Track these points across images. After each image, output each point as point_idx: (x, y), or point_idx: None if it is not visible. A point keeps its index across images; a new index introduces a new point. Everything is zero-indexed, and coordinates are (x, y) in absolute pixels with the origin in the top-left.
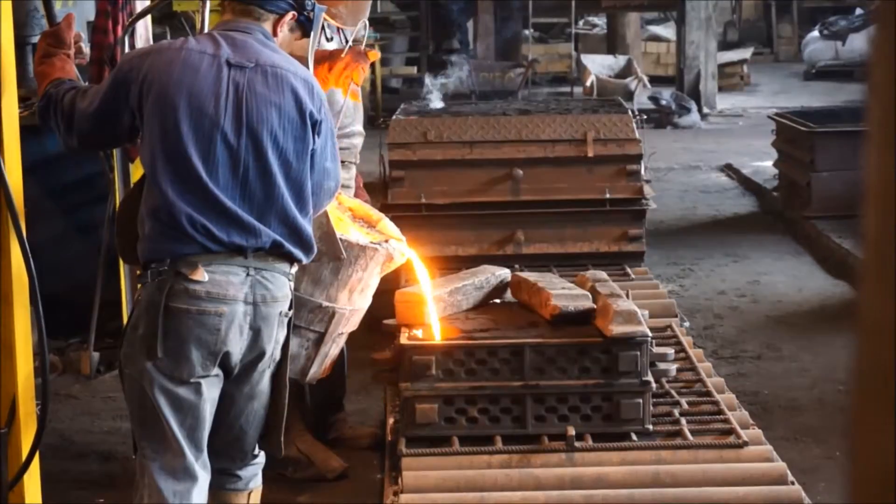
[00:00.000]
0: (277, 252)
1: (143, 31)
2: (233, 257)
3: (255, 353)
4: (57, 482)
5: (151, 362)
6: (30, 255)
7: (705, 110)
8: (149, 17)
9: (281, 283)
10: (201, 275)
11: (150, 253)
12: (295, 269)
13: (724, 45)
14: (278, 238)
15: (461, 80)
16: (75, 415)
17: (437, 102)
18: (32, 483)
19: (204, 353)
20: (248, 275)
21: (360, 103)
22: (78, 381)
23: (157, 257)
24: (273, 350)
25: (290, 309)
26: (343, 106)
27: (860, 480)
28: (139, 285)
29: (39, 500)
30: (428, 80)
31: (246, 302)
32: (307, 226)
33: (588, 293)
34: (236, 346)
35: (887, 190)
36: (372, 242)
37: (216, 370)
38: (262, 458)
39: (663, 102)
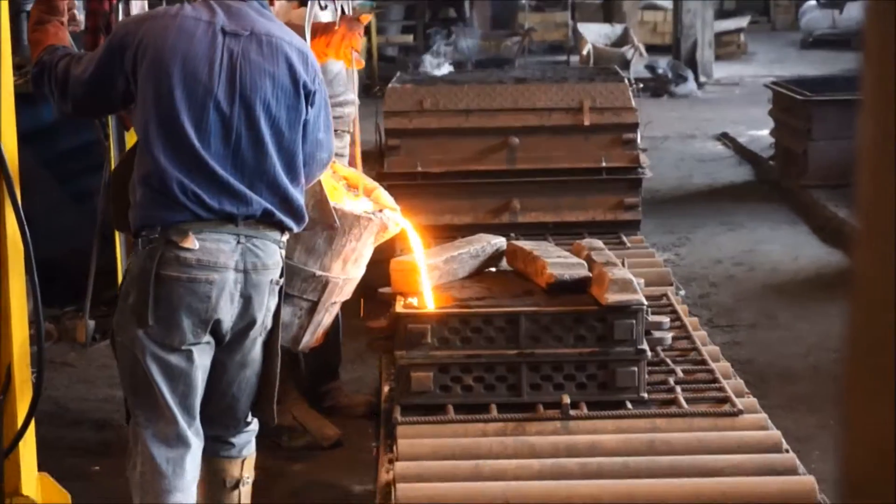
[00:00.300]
0: (268, 220)
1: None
2: (223, 225)
3: (245, 320)
4: (53, 450)
5: (142, 330)
6: (25, 223)
7: (702, 79)
8: None
9: (272, 251)
10: (192, 242)
11: (141, 220)
12: (286, 237)
13: (721, 14)
14: (269, 207)
15: (465, 49)
16: (71, 383)
17: (445, 68)
18: (28, 450)
19: (195, 320)
20: (238, 242)
21: (354, 71)
22: (73, 349)
23: (147, 224)
24: (264, 318)
25: (280, 277)
26: (338, 75)
27: (853, 448)
28: (130, 253)
29: (35, 468)
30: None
31: (236, 270)
32: (298, 195)
33: (584, 262)
34: (227, 314)
35: (881, 157)
36: (366, 212)
37: (207, 337)
38: (255, 425)
39: (660, 71)
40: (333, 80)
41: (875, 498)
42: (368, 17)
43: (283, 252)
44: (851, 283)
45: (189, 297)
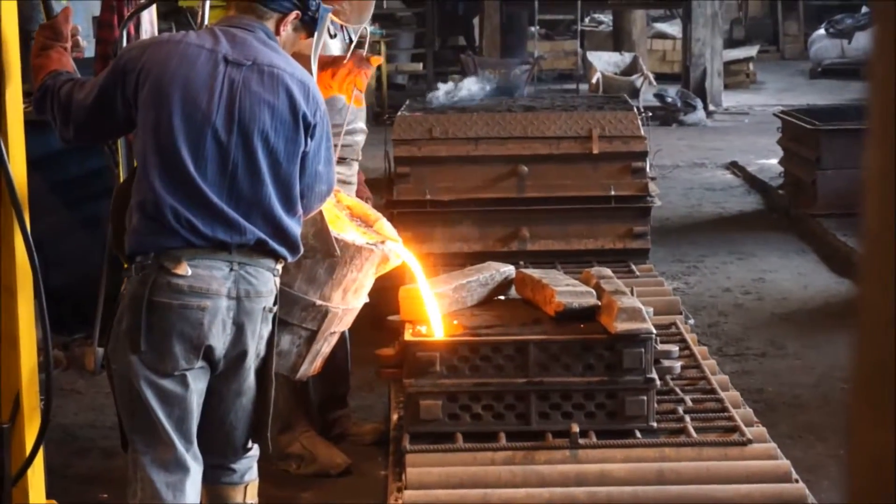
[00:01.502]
0: (262, 249)
1: (149, 27)
2: (217, 252)
3: (239, 348)
4: (61, 478)
5: (136, 356)
6: (34, 249)
7: (711, 108)
8: (154, 13)
9: (265, 279)
10: (184, 269)
11: (135, 246)
12: (281, 265)
13: (730, 43)
14: (263, 236)
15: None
16: (79, 410)
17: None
18: (36, 478)
19: (187, 346)
20: (231, 269)
21: (363, 102)
22: (82, 376)
23: (141, 250)
24: (257, 345)
25: (274, 304)
26: (344, 104)
27: (859, 475)
28: (124, 279)
29: (43, 496)
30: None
31: (229, 297)
32: (294, 226)
33: (592, 290)
34: (219, 341)
35: (887, 185)
36: (368, 243)
37: (201, 363)
38: (255, 451)
39: (669, 100)
40: (343, 109)
41: None
42: (379, 60)
43: (278, 280)
44: (856, 310)
45: (181, 324)
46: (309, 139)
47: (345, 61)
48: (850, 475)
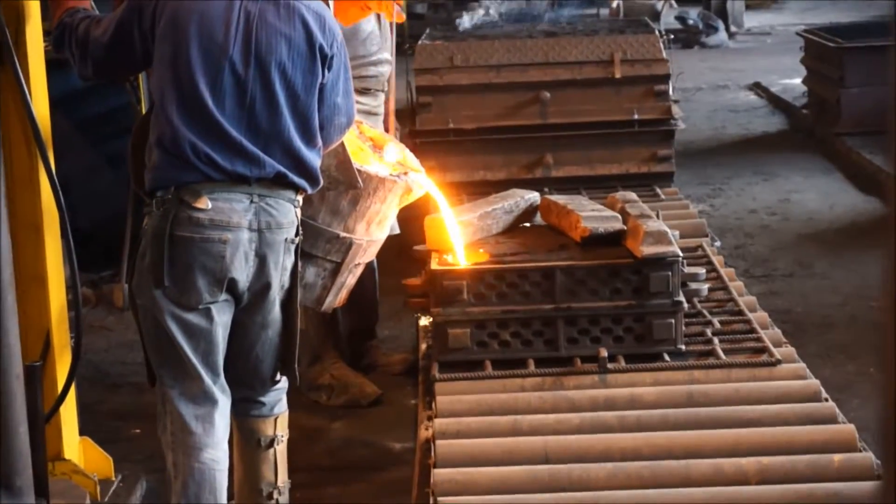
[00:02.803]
0: (282, 182)
1: None
2: (237, 185)
3: (262, 280)
4: (93, 413)
5: (160, 290)
6: (59, 188)
7: (733, 29)
8: None
9: (286, 210)
10: (205, 203)
11: (155, 181)
12: (301, 197)
13: None
14: (282, 169)
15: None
16: (109, 347)
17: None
18: (69, 415)
19: (210, 279)
20: (251, 202)
21: (388, 30)
22: (111, 313)
23: (161, 185)
24: (281, 277)
25: (296, 236)
26: (371, 34)
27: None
28: (146, 214)
29: (77, 432)
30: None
31: (250, 229)
32: (313, 158)
33: (618, 214)
34: (242, 273)
35: None
36: (391, 174)
37: (225, 295)
38: (284, 382)
39: (690, 22)
40: (367, 40)
41: None
42: None
43: (298, 211)
44: (886, 226)
45: (203, 257)
46: (326, 71)
47: None
48: (885, 393)
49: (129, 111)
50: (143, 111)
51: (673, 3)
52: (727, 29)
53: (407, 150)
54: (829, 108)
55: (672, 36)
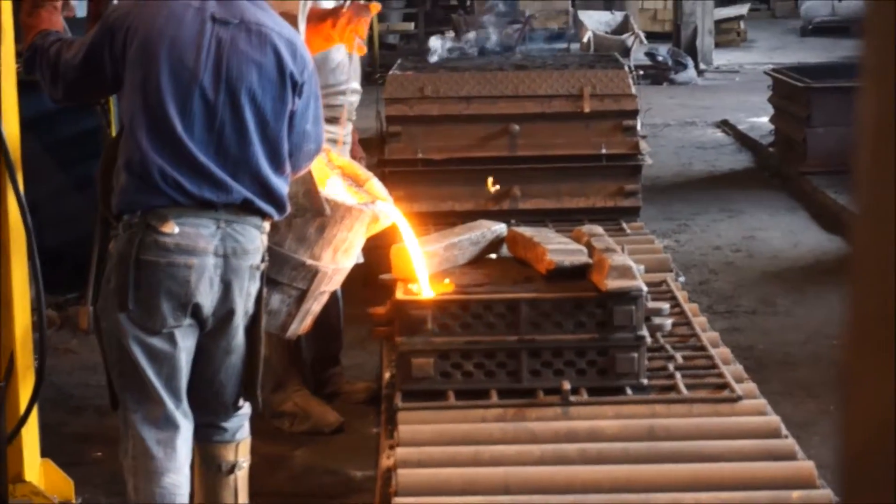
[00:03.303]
0: (249, 208)
1: None
2: (203, 210)
3: (227, 306)
4: (55, 436)
5: (124, 314)
6: (27, 210)
7: (702, 66)
8: None
9: (252, 237)
10: (171, 227)
11: (122, 205)
12: (267, 223)
13: (721, 1)
14: (249, 195)
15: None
16: (73, 369)
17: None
18: (31, 436)
19: (174, 304)
20: (218, 227)
21: (357, 61)
22: (76, 335)
23: (128, 209)
24: (245, 303)
25: (262, 262)
26: (341, 64)
27: (855, 429)
28: (112, 238)
29: (38, 454)
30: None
31: (216, 254)
32: (281, 185)
33: (584, 248)
34: (207, 299)
35: (881, 132)
36: (358, 203)
37: (189, 320)
38: (247, 409)
39: (660, 58)
40: (336, 69)
41: (873, 468)
42: (378, 7)
43: (265, 238)
44: (851, 261)
45: (168, 282)
46: (297, 98)
47: (344, 9)
48: (845, 429)
49: (99, 134)
50: (113, 134)
51: (643, 39)
52: (696, 66)
53: (375, 179)
54: (796, 147)
55: (642, 72)
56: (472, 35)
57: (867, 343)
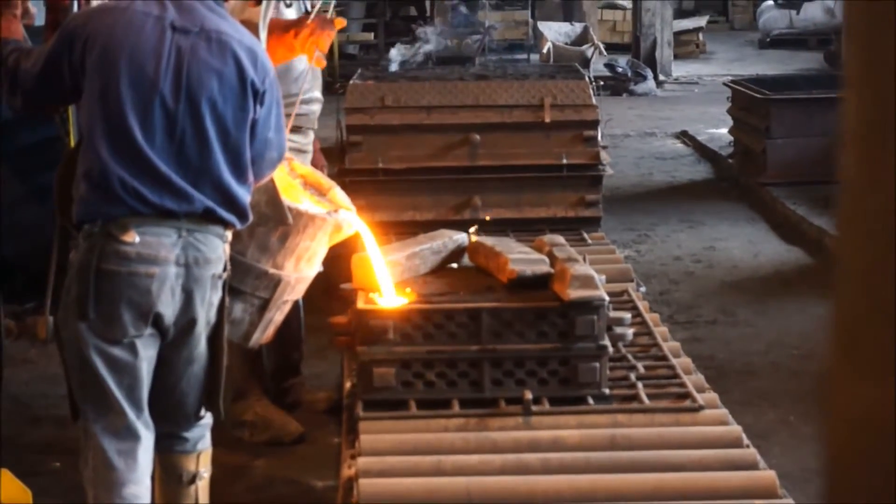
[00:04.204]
0: (210, 217)
1: None
2: (165, 219)
3: (188, 315)
4: (13, 447)
5: (85, 324)
6: None
7: (661, 78)
8: None
9: (214, 246)
10: (132, 236)
11: (82, 214)
12: (229, 232)
13: (680, 13)
14: (211, 204)
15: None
16: (31, 379)
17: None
18: None
19: (135, 314)
20: (179, 236)
21: (318, 70)
22: (34, 345)
23: (88, 218)
24: (207, 313)
25: (224, 271)
26: (303, 73)
27: (839, 432)
28: (72, 247)
29: None
30: (394, 51)
31: (177, 264)
32: (243, 194)
33: (545, 257)
34: (168, 308)
35: (866, 136)
36: (321, 211)
37: (150, 330)
38: (208, 419)
39: (619, 70)
40: (299, 78)
41: (855, 469)
42: (343, 22)
43: (227, 247)
44: (835, 260)
45: (129, 291)
46: (258, 106)
47: (308, 22)
48: (828, 433)
49: (57, 143)
50: (72, 144)
51: (602, 50)
52: (655, 77)
53: (337, 188)
54: (755, 158)
55: (602, 83)
56: (431, 45)
57: (849, 346)
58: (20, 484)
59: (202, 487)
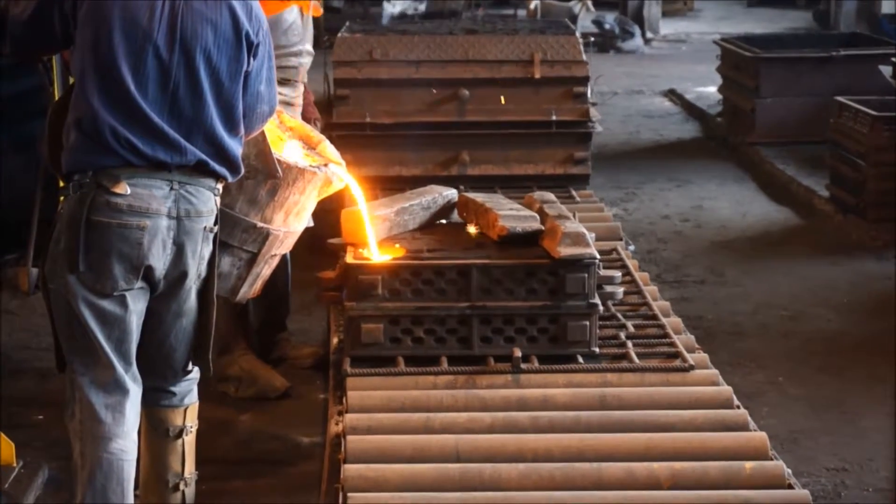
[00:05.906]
0: (202, 169)
1: None
2: (156, 171)
3: (179, 268)
4: None
5: (74, 276)
6: None
7: (648, 35)
8: None
9: (206, 198)
10: (123, 188)
11: (73, 164)
12: (221, 185)
13: None
14: (203, 157)
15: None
16: (13, 331)
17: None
18: None
19: (126, 266)
20: (171, 189)
21: (310, 22)
22: (16, 297)
23: (79, 168)
24: (198, 266)
25: (215, 224)
26: (293, 25)
27: None
28: (61, 198)
29: None
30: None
31: (169, 216)
32: (235, 146)
33: (536, 214)
34: (159, 261)
35: None
36: (311, 165)
37: (140, 283)
38: (196, 373)
39: (607, 26)
40: (288, 30)
41: None
42: None
43: (218, 200)
44: None
45: (120, 243)
46: (252, 58)
47: None
48: None
49: (39, 94)
50: (56, 93)
51: (590, 6)
52: (643, 35)
53: (327, 141)
54: (744, 118)
55: (592, 39)
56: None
57: None
58: (2, 436)
59: (189, 442)
